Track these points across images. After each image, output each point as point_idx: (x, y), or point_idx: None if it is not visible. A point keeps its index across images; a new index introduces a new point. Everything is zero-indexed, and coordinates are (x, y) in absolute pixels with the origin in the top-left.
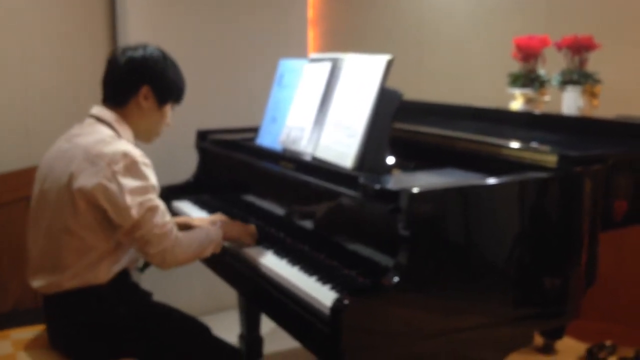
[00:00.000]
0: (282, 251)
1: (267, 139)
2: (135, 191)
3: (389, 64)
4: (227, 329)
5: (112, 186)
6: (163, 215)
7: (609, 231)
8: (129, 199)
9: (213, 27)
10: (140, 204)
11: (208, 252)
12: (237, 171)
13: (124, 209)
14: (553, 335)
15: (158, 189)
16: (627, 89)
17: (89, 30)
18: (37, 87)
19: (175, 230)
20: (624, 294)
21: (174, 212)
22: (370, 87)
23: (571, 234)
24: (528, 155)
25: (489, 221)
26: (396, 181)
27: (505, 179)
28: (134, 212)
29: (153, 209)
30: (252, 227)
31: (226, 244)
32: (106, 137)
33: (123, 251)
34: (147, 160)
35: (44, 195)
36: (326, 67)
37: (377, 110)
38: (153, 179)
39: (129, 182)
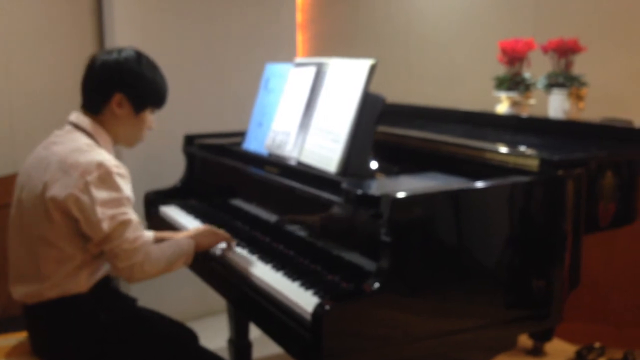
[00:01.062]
0: (267, 256)
1: (253, 144)
2: (107, 203)
3: (372, 69)
4: (217, 333)
5: (84, 197)
6: (135, 230)
7: (594, 233)
8: (100, 212)
9: (201, 31)
10: (112, 217)
11: (178, 266)
12: (223, 176)
13: (95, 222)
14: (542, 337)
15: (133, 201)
16: (613, 91)
17: (75, 35)
18: (21, 92)
19: (146, 245)
20: (613, 296)
21: (162, 218)
22: (354, 92)
23: (554, 237)
24: (511, 159)
25: (471, 225)
26: (379, 186)
27: (487, 183)
28: (105, 226)
29: (125, 223)
30: (222, 232)
31: (218, 250)
32: (83, 145)
33: (102, 260)
34: (123, 171)
35: (22, 204)
36: (311, 71)
37: (360, 115)
38: (128, 190)
39: (101, 194)
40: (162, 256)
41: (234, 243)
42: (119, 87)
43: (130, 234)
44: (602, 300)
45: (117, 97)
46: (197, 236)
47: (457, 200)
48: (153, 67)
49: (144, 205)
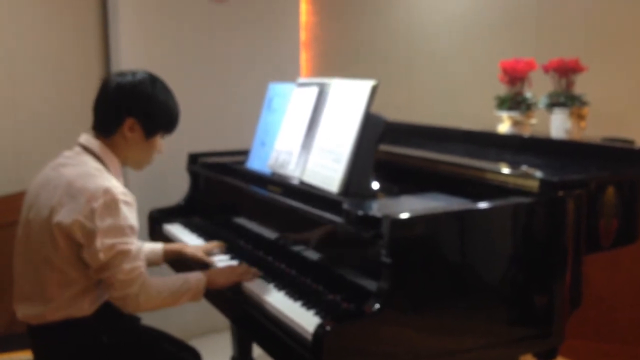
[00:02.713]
0: (269, 275)
1: (256, 163)
2: (109, 232)
3: (374, 90)
4: (220, 351)
5: (89, 224)
6: (133, 260)
7: (597, 253)
8: (99, 241)
9: (205, 50)
10: (111, 247)
11: (183, 301)
12: (227, 194)
13: (93, 250)
14: (546, 356)
15: (137, 230)
16: (614, 111)
17: (80, 53)
18: (27, 111)
19: (143, 277)
20: (619, 313)
21: (166, 236)
22: (356, 112)
23: (554, 258)
24: (511, 180)
25: (471, 247)
26: (380, 207)
27: (487, 204)
28: (102, 255)
29: (123, 253)
30: (244, 269)
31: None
32: (91, 169)
33: (106, 285)
34: (129, 199)
35: (29, 225)
36: (313, 91)
37: (362, 136)
38: (132, 219)
39: (104, 222)
40: (164, 290)
41: (253, 279)
42: (132, 112)
43: (126, 264)
44: (608, 317)
45: (129, 122)
46: (210, 273)
47: (458, 222)
48: (166, 91)
49: (148, 223)
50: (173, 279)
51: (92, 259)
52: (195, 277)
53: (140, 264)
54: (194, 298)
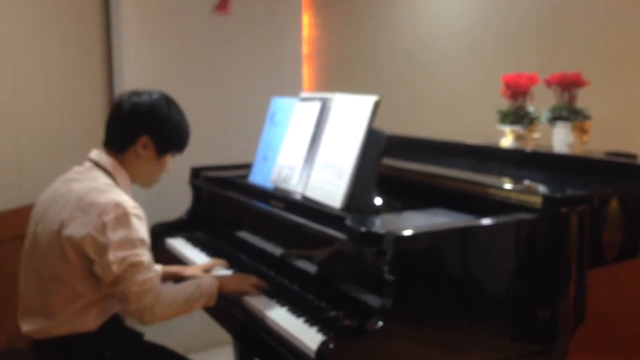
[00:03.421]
0: (272, 291)
1: (258, 177)
2: (121, 245)
3: (377, 105)
4: None
5: (101, 238)
6: (146, 271)
7: (600, 268)
8: (112, 254)
9: (208, 63)
10: (123, 260)
11: (198, 306)
12: (229, 209)
13: (106, 264)
14: None
15: (148, 243)
16: (617, 124)
17: (83, 69)
18: (30, 126)
19: (156, 288)
20: (622, 328)
21: (168, 250)
22: (358, 128)
23: (557, 274)
24: (514, 196)
25: (474, 264)
26: (382, 223)
27: (490, 221)
28: (115, 268)
29: (136, 265)
30: (253, 279)
31: None
32: (102, 185)
33: (112, 300)
34: (139, 212)
35: (37, 239)
36: (316, 106)
37: (364, 151)
38: (143, 232)
39: (116, 236)
40: (177, 297)
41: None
42: (147, 130)
43: (139, 276)
44: (610, 332)
45: (143, 140)
46: (224, 279)
47: (461, 239)
48: (180, 112)
49: (150, 237)
50: (185, 286)
51: (104, 273)
52: (208, 282)
53: (153, 274)
54: (208, 303)
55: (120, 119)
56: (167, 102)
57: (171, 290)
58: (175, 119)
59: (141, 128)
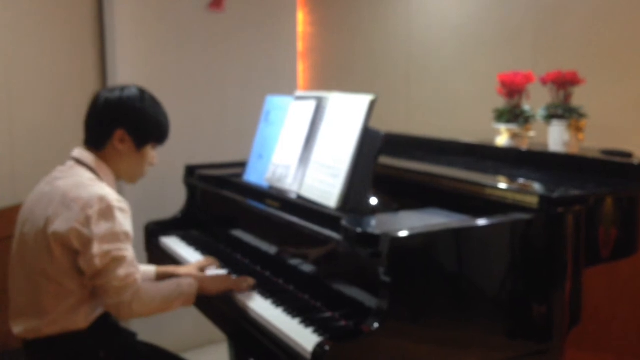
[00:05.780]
0: (267, 291)
1: (253, 176)
2: (104, 238)
3: (372, 104)
4: None
5: (85, 231)
6: (128, 267)
7: (595, 267)
8: (96, 248)
9: (202, 60)
10: (107, 253)
11: (176, 306)
12: (224, 208)
13: (90, 257)
14: None
15: (132, 237)
16: (612, 123)
17: (77, 66)
18: (23, 125)
19: (137, 284)
20: (616, 325)
21: (162, 249)
22: (354, 127)
23: (553, 274)
24: (510, 196)
25: (471, 264)
26: (379, 223)
27: (486, 221)
28: (97, 261)
29: (118, 260)
30: (239, 280)
31: None
32: (85, 180)
33: (100, 292)
34: (124, 206)
35: (24, 239)
36: (311, 105)
37: (360, 151)
38: (127, 226)
39: (100, 229)
40: (157, 295)
41: (246, 290)
42: (121, 124)
43: (121, 270)
44: (604, 328)
45: (119, 133)
46: (204, 280)
47: (457, 239)
48: (155, 104)
49: (144, 236)
50: (166, 285)
51: (87, 266)
52: (187, 282)
53: (135, 270)
54: (186, 303)
55: (95, 115)
56: (141, 94)
57: (152, 288)
58: (150, 110)
59: (115, 121)
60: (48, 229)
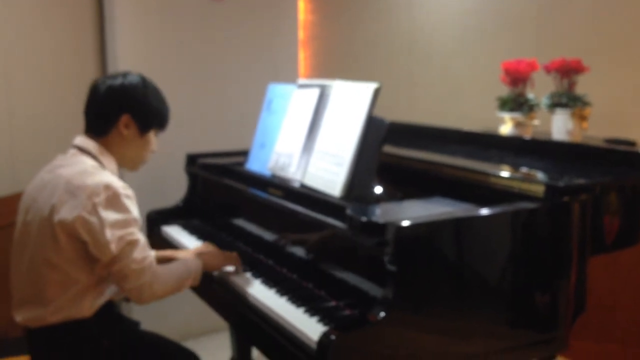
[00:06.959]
0: (271, 280)
1: (256, 164)
2: (115, 225)
3: (376, 93)
4: (219, 350)
5: (93, 219)
6: (143, 250)
7: (600, 254)
8: (109, 234)
9: (203, 49)
10: (120, 238)
11: (186, 286)
12: (226, 196)
13: (104, 243)
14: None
15: (140, 222)
16: (616, 111)
17: (76, 55)
18: (22, 113)
19: (154, 265)
20: (619, 315)
21: (164, 237)
22: (358, 116)
23: (559, 263)
24: (516, 184)
25: (476, 253)
26: (383, 212)
27: (492, 210)
28: (113, 247)
29: (133, 243)
30: (233, 254)
31: (216, 272)
32: (89, 167)
33: (106, 284)
34: (129, 192)
35: (27, 227)
36: (314, 93)
37: (364, 139)
38: (135, 211)
39: (109, 215)
40: (171, 276)
41: (240, 267)
42: (127, 109)
43: (138, 254)
44: (607, 318)
45: (125, 119)
46: (204, 256)
47: (463, 228)
48: (156, 89)
49: (146, 225)
50: (175, 266)
51: (102, 253)
52: (193, 262)
53: (149, 253)
54: (194, 282)
55: (98, 103)
56: (143, 80)
57: (164, 269)
58: (153, 95)
59: (121, 107)
60: (54, 217)
